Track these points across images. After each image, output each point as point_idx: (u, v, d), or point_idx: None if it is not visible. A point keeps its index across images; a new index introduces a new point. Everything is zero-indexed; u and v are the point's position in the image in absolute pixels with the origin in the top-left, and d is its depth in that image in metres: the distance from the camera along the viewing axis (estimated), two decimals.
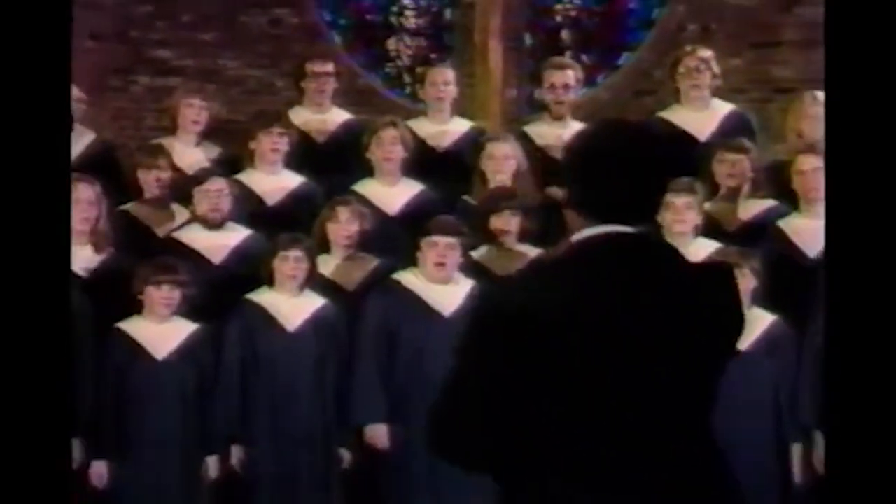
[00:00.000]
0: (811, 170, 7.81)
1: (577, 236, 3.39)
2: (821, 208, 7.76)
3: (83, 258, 7.63)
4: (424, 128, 8.83)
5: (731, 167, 8.09)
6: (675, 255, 3.50)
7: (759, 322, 7.15)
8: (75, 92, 8.80)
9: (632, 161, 3.40)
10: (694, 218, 7.66)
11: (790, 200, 8.01)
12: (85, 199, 7.67)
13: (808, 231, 7.84)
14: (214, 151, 8.75)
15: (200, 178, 8.13)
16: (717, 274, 3.57)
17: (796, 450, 7.33)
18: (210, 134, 8.85)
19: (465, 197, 8.29)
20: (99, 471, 7.33)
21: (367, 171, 8.41)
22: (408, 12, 11.64)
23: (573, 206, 3.43)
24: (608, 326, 3.27)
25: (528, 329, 3.26)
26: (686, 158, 8.16)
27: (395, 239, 8.04)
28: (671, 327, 3.32)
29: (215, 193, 8.01)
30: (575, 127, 8.44)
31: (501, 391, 3.31)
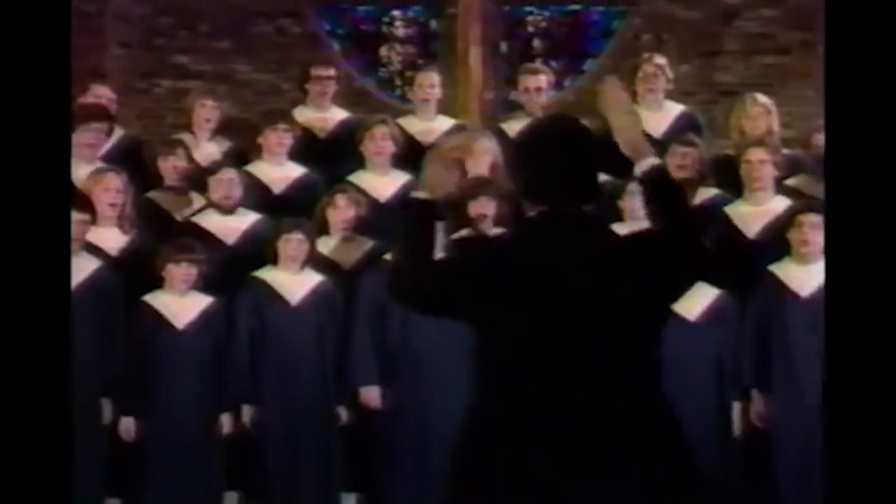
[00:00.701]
0: (758, 160, 7.90)
1: (527, 215, 3.48)
2: (762, 195, 7.88)
3: (112, 239, 7.67)
4: (413, 125, 8.78)
5: (681, 159, 8.12)
6: (604, 230, 3.61)
7: (705, 295, 7.20)
8: (107, 92, 8.88)
9: (562, 153, 3.48)
10: None
11: (733, 189, 8.05)
12: (113, 188, 7.70)
13: (749, 216, 7.91)
14: (226, 145, 8.70)
15: (214, 169, 8.12)
16: (647, 243, 3.60)
17: (736, 407, 7.36)
18: (222, 130, 8.79)
19: None
20: (127, 426, 7.33)
21: (361, 163, 8.41)
22: (397, 23, 11.66)
23: (521, 192, 3.50)
24: (548, 284, 3.36)
25: (491, 276, 3.42)
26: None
27: (387, 223, 8.04)
28: (600, 287, 3.39)
29: (227, 182, 7.99)
30: None
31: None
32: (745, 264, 7.57)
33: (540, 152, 3.54)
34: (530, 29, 11.57)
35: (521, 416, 3.36)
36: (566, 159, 3.50)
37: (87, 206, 7.46)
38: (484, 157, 8.16)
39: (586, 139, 3.56)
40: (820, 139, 8.34)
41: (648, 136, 8.46)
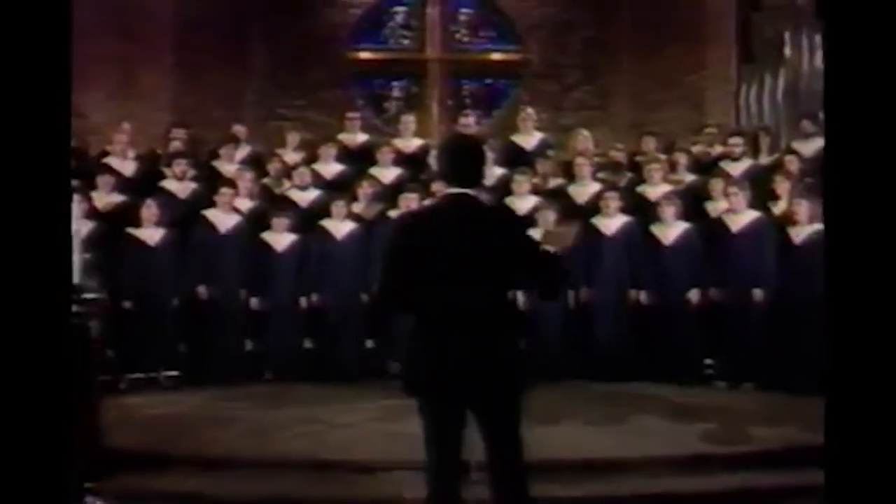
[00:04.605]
0: (582, 164, 7.79)
1: (442, 193, 3.33)
2: (585, 182, 7.80)
3: (245, 204, 7.54)
4: (400, 143, 8.61)
5: (542, 166, 8.07)
6: (482, 203, 3.22)
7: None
8: (242, 128, 8.99)
9: (461, 155, 3.20)
10: (528, 187, 7.58)
11: (571, 179, 7.98)
12: (247, 178, 7.72)
13: (579, 193, 7.70)
14: (301, 154, 8.51)
15: (295, 167, 8.04)
16: (513, 213, 3.48)
17: (571, 293, 7.16)
18: (300, 147, 8.62)
19: (422, 176, 8.19)
20: (254, 303, 7.28)
21: (374, 163, 8.24)
22: (395, 89, 11.57)
23: (440, 178, 3.35)
24: (453, 237, 3.06)
25: (415, 235, 3.11)
26: (522, 159, 8.18)
27: (389, 195, 7.96)
28: (485, 238, 3.07)
29: (302, 174, 7.89)
30: None
31: (403, 271, 3.08)
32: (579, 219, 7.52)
33: (449, 154, 3.23)
34: (465, 93, 11.55)
35: (443, 303, 3.02)
36: (463, 159, 3.18)
37: (234, 186, 7.48)
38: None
39: (476, 146, 3.27)
40: (614, 155, 8.34)
41: (523, 149, 8.48)
